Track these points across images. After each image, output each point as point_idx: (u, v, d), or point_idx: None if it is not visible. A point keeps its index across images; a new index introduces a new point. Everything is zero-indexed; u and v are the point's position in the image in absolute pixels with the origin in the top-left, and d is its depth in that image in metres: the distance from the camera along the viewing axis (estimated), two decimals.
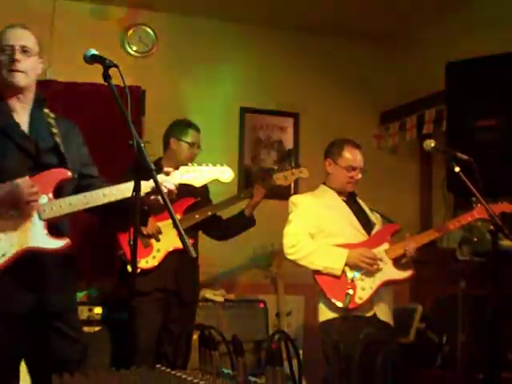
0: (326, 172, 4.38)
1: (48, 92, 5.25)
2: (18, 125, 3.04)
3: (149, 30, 6.17)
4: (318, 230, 4.20)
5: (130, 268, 4.36)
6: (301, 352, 4.97)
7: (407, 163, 6.75)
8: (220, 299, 5.60)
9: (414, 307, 5.27)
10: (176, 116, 5.78)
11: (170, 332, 4.62)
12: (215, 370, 2.29)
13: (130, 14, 6.14)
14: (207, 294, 5.58)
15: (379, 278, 4.07)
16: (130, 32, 6.12)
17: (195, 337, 2.62)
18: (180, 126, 4.84)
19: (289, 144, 6.54)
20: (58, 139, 3.06)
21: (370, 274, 4.06)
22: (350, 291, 3.98)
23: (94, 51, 2.87)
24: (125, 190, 2.93)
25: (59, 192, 2.99)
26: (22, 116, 3.08)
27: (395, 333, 4.33)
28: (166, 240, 4.51)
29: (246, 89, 6.39)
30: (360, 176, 4.30)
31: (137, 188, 2.62)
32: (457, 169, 3.57)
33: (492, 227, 3.52)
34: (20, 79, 3.03)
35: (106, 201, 2.97)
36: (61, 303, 3.04)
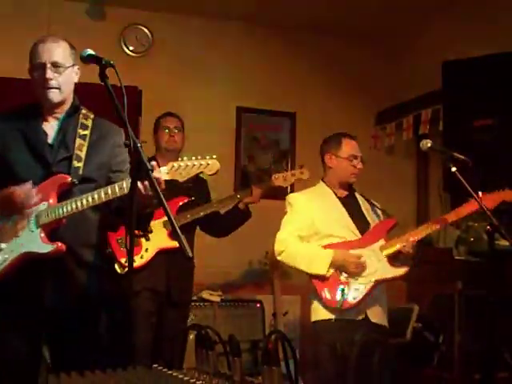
0: (326, 168, 4.33)
1: None
2: (43, 133, 3.10)
3: (145, 29, 6.17)
4: (312, 233, 4.18)
5: (117, 267, 4.38)
6: (297, 352, 4.98)
7: (404, 163, 6.76)
8: (216, 299, 5.60)
9: (411, 307, 5.28)
10: None
11: (161, 333, 4.57)
12: (212, 369, 2.29)
13: (126, 14, 6.14)
14: (204, 293, 5.58)
15: (373, 277, 4.03)
16: (127, 32, 6.12)
17: (192, 337, 2.63)
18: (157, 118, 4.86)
19: (285, 144, 6.54)
20: (82, 144, 3.09)
21: (355, 276, 4.03)
22: (344, 289, 3.98)
23: (90, 51, 2.87)
24: (115, 190, 2.94)
25: (66, 196, 3.03)
26: (51, 124, 3.14)
27: (388, 334, 4.30)
28: (156, 239, 4.45)
29: (243, 88, 6.39)
30: (361, 165, 4.26)
31: (134, 188, 2.61)
32: (453, 169, 3.57)
33: (488, 227, 3.53)
34: (54, 96, 3.09)
35: (92, 204, 2.99)
36: (71, 303, 3.05)
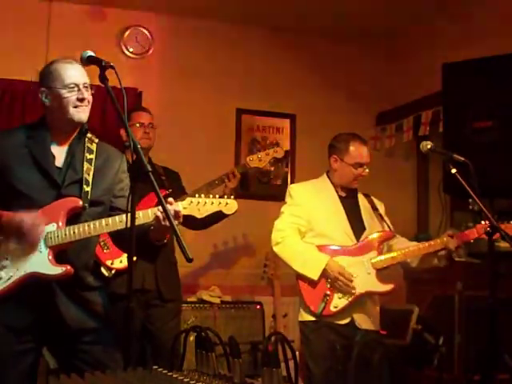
0: (330, 167, 4.29)
1: None
2: (53, 157, 3.10)
3: (145, 31, 6.17)
4: (308, 229, 4.17)
5: (104, 270, 4.32)
6: (297, 353, 4.97)
7: (404, 165, 6.76)
8: (216, 301, 5.60)
9: (411, 308, 5.26)
10: (172, 117, 5.80)
11: (150, 332, 4.54)
12: (212, 371, 2.29)
13: (126, 15, 6.14)
14: (204, 295, 5.58)
15: (359, 289, 4.01)
16: (127, 33, 6.12)
17: (192, 338, 2.62)
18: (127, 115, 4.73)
19: (285, 145, 6.54)
20: (90, 169, 3.11)
21: (339, 291, 4.00)
22: (328, 296, 3.97)
23: (90, 53, 2.88)
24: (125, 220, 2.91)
25: (75, 219, 3.04)
26: (60, 147, 3.14)
27: (379, 338, 4.28)
28: None
29: (243, 90, 6.39)
30: (367, 172, 4.23)
31: (133, 189, 2.62)
32: (453, 170, 3.58)
33: (488, 228, 3.53)
34: (86, 116, 3.11)
35: (106, 230, 3.03)
36: (78, 323, 3.06)
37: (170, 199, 2.98)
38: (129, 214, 2.62)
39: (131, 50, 6.14)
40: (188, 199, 3.12)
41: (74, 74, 3.06)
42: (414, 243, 4.22)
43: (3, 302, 2.97)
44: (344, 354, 3.95)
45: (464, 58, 5.15)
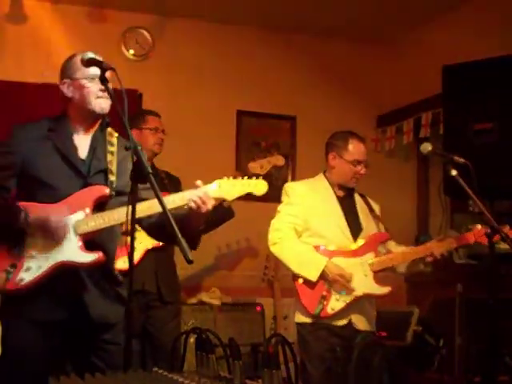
0: (328, 164, 4.26)
1: (45, 94, 5.28)
2: (75, 148, 3.12)
3: (146, 33, 6.17)
4: (304, 228, 4.14)
5: None
6: (298, 355, 4.97)
7: (404, 166, 6.76)
8: (217, 302, 5.60)
9: (411, 310, 5.27)
10: (172, 119, 5.79)
11: (150, 333, 4.55)
12: (212, 373, 2.29)
13: (127, 17, 6.14)
14: (204, 297, 5.58)
15: (356, 292, 4.00)
16: (127, 35, 6.13)
17: (192, 340, 2.62)
18: (137, 117, 4.70)
19: (286, 147, 6.54)
20: (112, 160, 3.14)
21: (338, 290, 3.99)
22: (325, 298, 3.95)
23: (91, 54, 2.88)
24: (154, 205, 2.88)
25: (101, 208, 3.05)
26: (83, 139, 3.16)
27: (376, 338, 4.28)
28: (143, 239, 4.25)
29: (243, 92, 6.39)
30: (364, 170, 4.21)
31: (134, 191, 2.62)
32: (453, 172, 3.57)
33: (489, 230, 3.53)
34: (108, 106, 3.10)
35: (136, 216, 3.00)
36: (103, 316, 3.06)
37: (199, 182, 3.01)
38: (130, 212, 2.62)
39: (131, 51, 6.14)
40: (217, 182, 3.09)
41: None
42: (405, 247, 4.23)
43: (33, 295, 2.95)
44: (344, 355, 3.94)
45: (464, 60, 5.15)
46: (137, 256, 4.39)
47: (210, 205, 2.99)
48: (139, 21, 6.18)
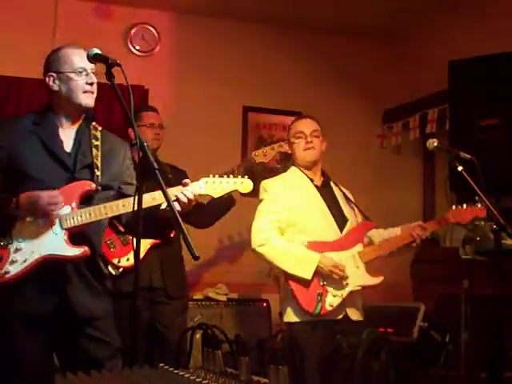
0: (293, 155, 4.31)
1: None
2: (61, 142, 3.12)
3: (152, 29, 6.17)
4: (289, 225, 4.10)
5: (111, 269, 4.30)
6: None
7: (410, 162, 6.75)
8: (223, 298, 5.60)
9: (417, 306, 5.26)
10: (179, 115, 5.81)
11: (156, 329, 4.54)
12: (218, 369, 2.29)
13: (133, 13, 6.14)
14: (210, 293, 5.58)
15: (351, 284, 4.00)
16: (133, 31, 6.13)
17: (198, 336, 2.61)
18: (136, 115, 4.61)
19: None
20: (97, 155, 3.14)
21: (335, 283, 3.99)
22: (322, 295, 3.94)
23: (96, 50, 2.88)
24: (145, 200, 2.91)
25: (87, 202, 3.06)
26: (68, 132, 3.16)
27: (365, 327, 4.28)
28: None
29: (249, 87, 6.38)
30: (314, 143, 4.24)
31: (140, 188, 2.62)
32: (460, 168, 3.56)
33: (495, 226, 3.52)
34: (93, 101, 3.14)
35: (123, 211, 3.03)
36: (87, 310, 3.06)
37: (187, 180, 3.04)
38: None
39: (137, 47, 6.14)
40: (203, 179, 3.12)
41: (83, 59, 3.06)
42: (389, 230, 4.26)
43: (18, 288, 2.96)
44: (349, 351, 3.94)
45: (470, 56, 5.14)
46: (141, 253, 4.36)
47: (193, 203, 3.03)
48: (145, 17, 6.18)
